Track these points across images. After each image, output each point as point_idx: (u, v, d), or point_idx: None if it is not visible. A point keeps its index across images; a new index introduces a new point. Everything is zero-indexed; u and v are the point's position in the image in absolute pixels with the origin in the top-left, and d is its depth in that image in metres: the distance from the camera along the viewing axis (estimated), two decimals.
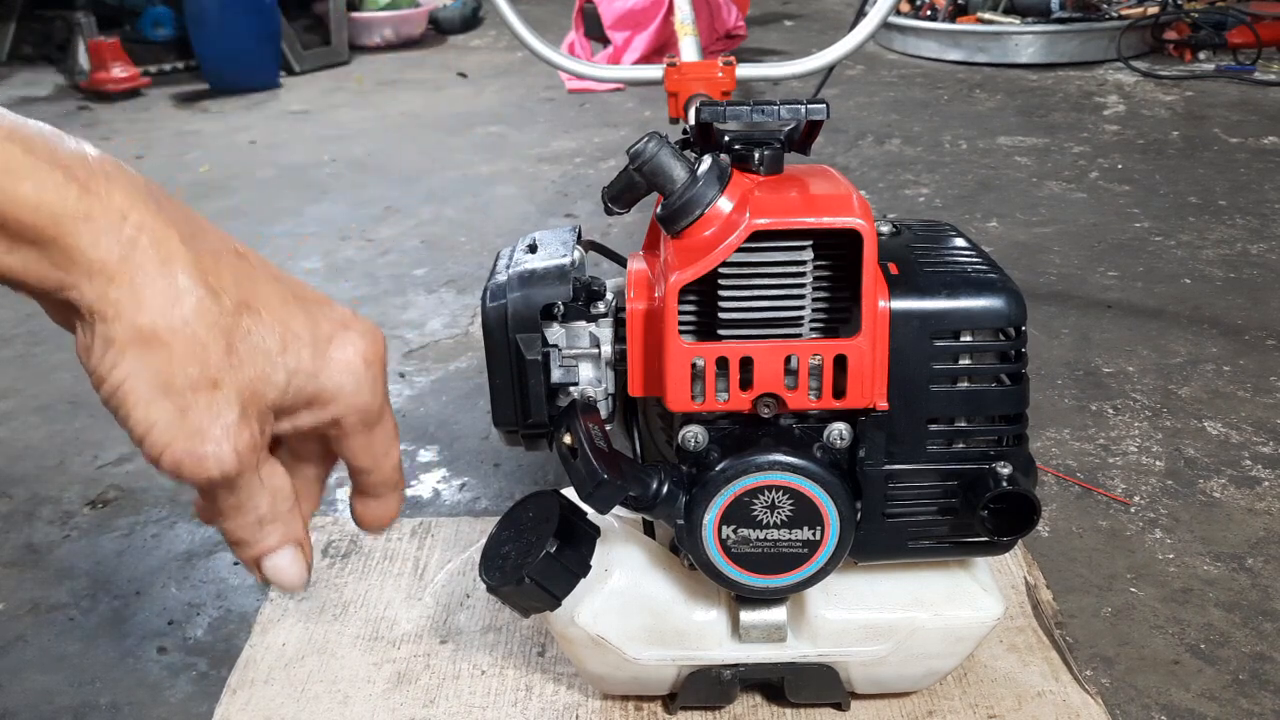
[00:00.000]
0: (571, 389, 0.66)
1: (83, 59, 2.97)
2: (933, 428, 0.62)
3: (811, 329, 0.61)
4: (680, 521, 0.63)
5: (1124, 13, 2.84)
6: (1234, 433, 1.11)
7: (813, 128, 0.63)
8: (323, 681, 0.81)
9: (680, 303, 0.59)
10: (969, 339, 0.61)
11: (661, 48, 2.75)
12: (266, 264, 0.43)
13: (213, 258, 0.40)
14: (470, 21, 3.75)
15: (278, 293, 0.42)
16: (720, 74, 1.25)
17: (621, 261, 0.70)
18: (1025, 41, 2.81)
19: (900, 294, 0.60)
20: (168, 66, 3.15)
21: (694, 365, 0.59)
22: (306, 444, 0.46)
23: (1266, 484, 1.02)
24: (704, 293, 0.60)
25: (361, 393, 0.43)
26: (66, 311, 0.39)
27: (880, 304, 0.59)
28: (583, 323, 0.65)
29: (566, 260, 0.67)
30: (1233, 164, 1.98)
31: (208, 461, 0.39)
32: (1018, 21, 2.84)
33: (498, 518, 0.65)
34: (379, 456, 0.46)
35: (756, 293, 0.58)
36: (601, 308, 0.65)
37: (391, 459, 0.47)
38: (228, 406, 0.40)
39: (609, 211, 0.64)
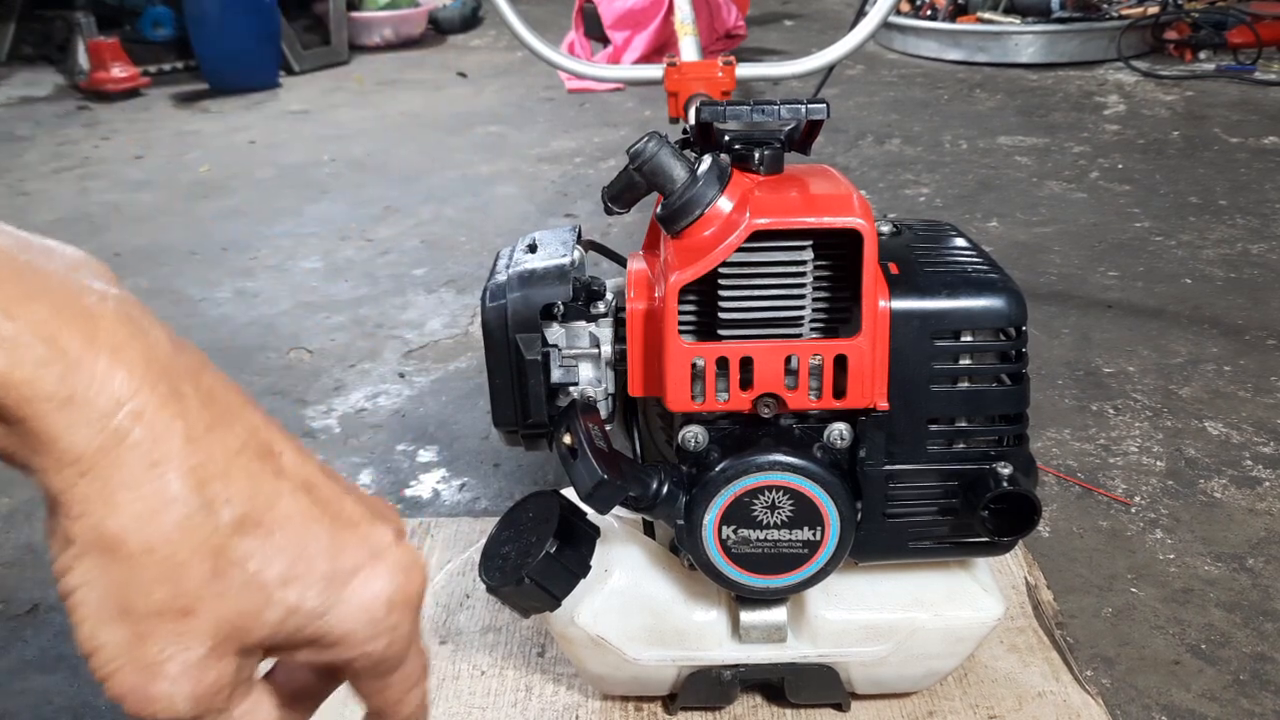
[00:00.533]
0: (571, 389, 0.66)
1: (82, 59, 2.97)
2: (933, 428, 0.62)
3: (812, 329, 0.60)
4: (680, 521, 0.63)
5: (1124, 13, 2.84)
6: (1234, 433, 1.11)
7: (813, 128, 0.63)
8: None
9: (680, 303, 0.59)
10: (969, 339, 0.61)
11: (661, 48, 2.75)
12: (306, 464, 0.36)
13: (226, 459, 0.33)
14: (470, 21, 3.75)
15: (301, 509, 0.35)
16: (720, 74, 1.25)
17: (621, 261, 0.70)
18: (1025, 41, 2.81)
19: (900, 294, 0.60)
20: (167, 66, 3.15)
21: (694, 365, 0.59)
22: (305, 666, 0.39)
23: (1267, 484, 1.02)
24: (704, 293, 0.60)
25: (377, 640, 0.36)
26: (31, 477, 0.33)
27: (880, 304, 0.59)
28: (583, 323, 0.65)
29: (566, 260, 0.66)
30: (1233, 164, 1.98)
31: (156, 704, 0.33)
32: (1018, 21, 2.84)
33: (498, 518, 0.65)
34: (392, 703, 0.39)
35: (756, 293, 0.58)
36: (601, 308, 0.65)
37: (409, 705, 0.40)
38: (196, 641, 0.33)
39: (609, 211, 0.64)
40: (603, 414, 0.66)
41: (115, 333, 0.32)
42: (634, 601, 0.68)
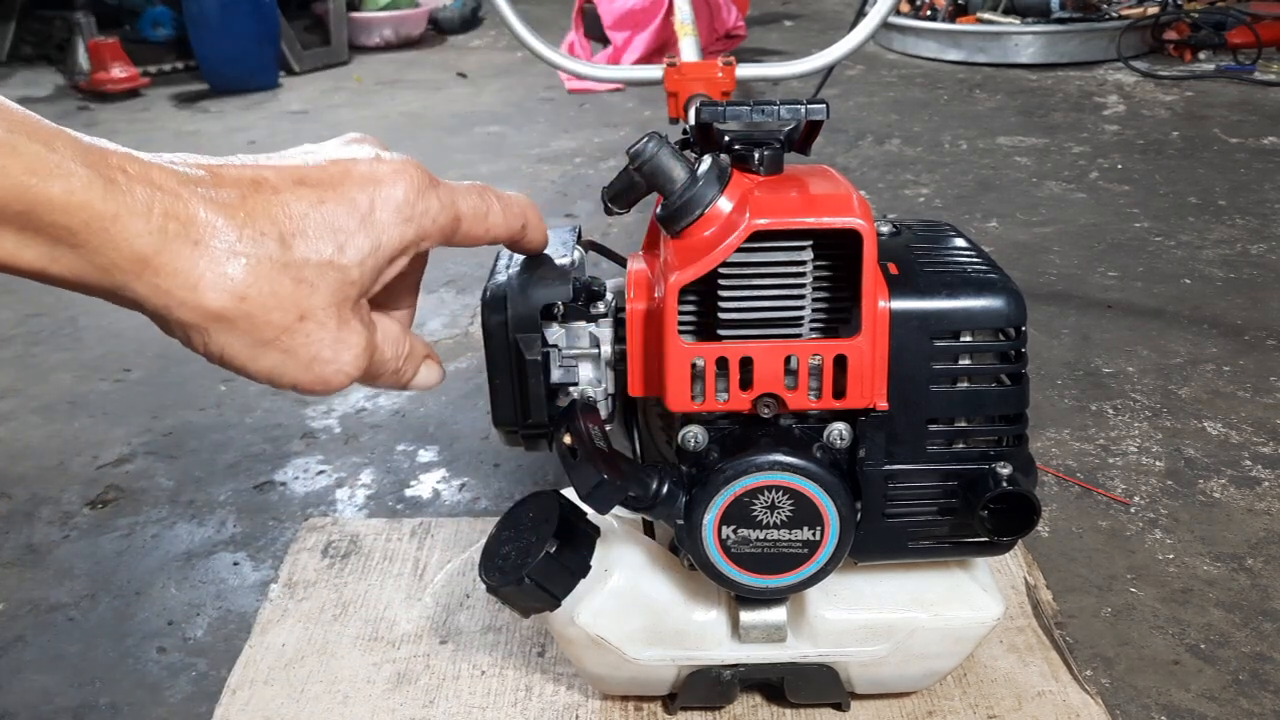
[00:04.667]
0: (571, 389, 0.66)
1: (82, 59, 2.97)
2: (933, 428, 0.62)
3: (811, 329, 0.61)
4: (680, 521, 0.63)
5: (1124, 13, 2.84)
6: (1234, 433, 1.11)
7: (813, 128, 0.63)
8: (322, 682, 0.81)
9: (680, 303, 0.59)
10: (969, 339, 0.61)
11: (661, 48, 2.75)
12: (281, 169, 0.44)
13: (240, 209, 0.41)
14: (470, 21, 3.75)
15: (309, 201, 0.43)
16: (720, 74, 1.25)
17: (621, 261, 0.70)
18: (1025, 41, 2.81)
19: (900, 294, 0.60)
20: (167, 66, 3.15)
21: (694, 365, 0.59)
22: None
23: (1266, 484, 1.02)
24: (704, 293, 0.60)
25: (425, 219, 0.46)
26: (137, 307, 0.41)
27: (880, 304, 0.59)
28: (583, 323, 0.65)
29: (566, 260, 0.67)
30: (1233, 164, 1.98)
31: (336, 378, 0.45)
32: (1018, 21, 2.84)
33: (498, 518, 0.65)
34: (497, 233, 0.52)
35: (756, 293, 0.58)
36: (601, 308, 0.65)
37: (510, 227, 0.53)
38: (322, 328, 0.43)
39: (609, 211, 0.64)
40: (603, 414, 0.66)
41: (122, 158, 0.39)
42: (634, 601, 0.68)
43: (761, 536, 0.62)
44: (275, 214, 0.42)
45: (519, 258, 0.67)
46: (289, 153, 0.47)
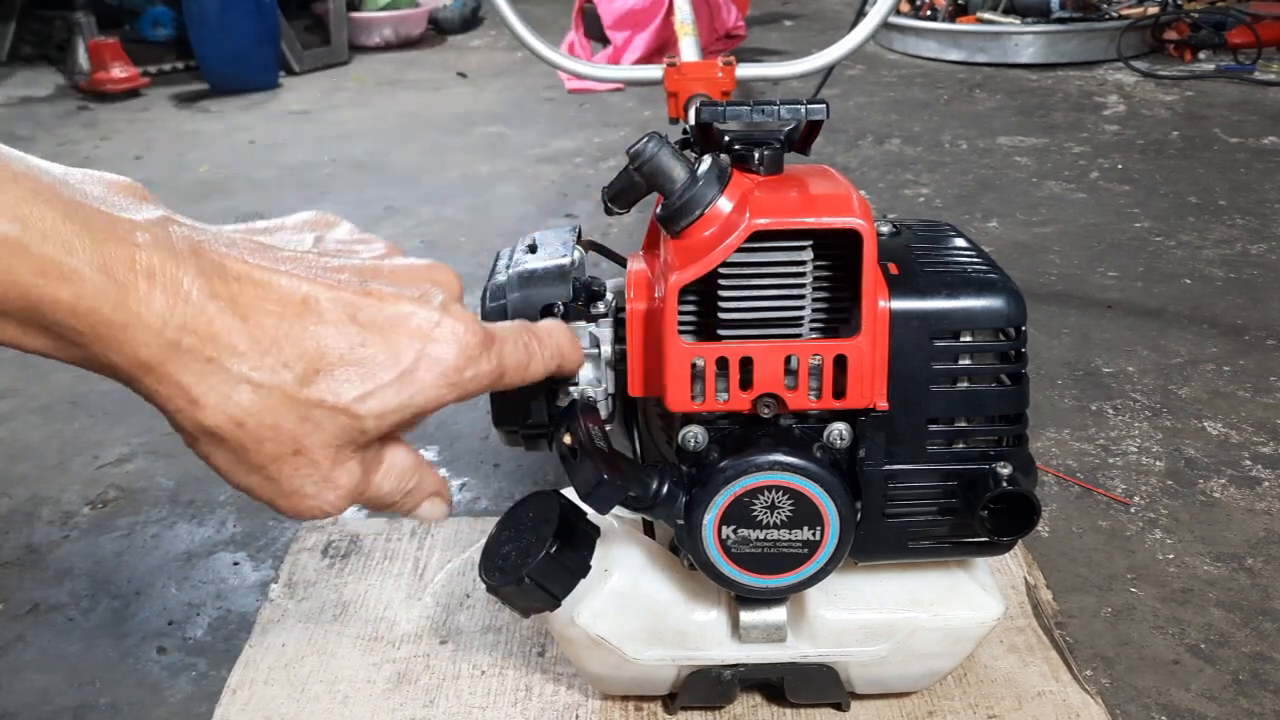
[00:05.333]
0: (571, 389, 0.66)
1: (83, 59, 2.97)
2: (933, 428, 0.62)
3: (811, 329, 0.61)
4: (680, 521, 0.63)
5: (1124, 13, 2.84)
6: (1234, 433, 1.11)
7: (813, 128, 0.63)
8: (323, 681, 0.81)
9: (680, 303, 0.59)
10: (969, 339, 0.61)
11: (661, 48, 2.75)
12: (339, 293, 0.41)
13: (271, 332, 0.39)
14: (470, 21, 3.75)
15: (350, 341, 0.40)
16: (720, 74, 1.25)
17: (621, 261, 0.70)
18: (1025, 41, 2.81)
19: (900, 294, 0.60)
20: (168, 66, 3.15)
21: (694, 365, 0.59)
22: None
23: (1266, 484, 1.02)
24: (704, 293, 0.60)
25: (468, 387, 0.44)
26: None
27: (880, 304, 0.59)
28: (583, 323, 0.65)
29: (566, 260, 0.67)
30: (1233, 164, 1.98)
31: (312, 513, 0.42)
32: (1018, 21, 2.84)
33: (498, 518, 0.65)
34: (535, 378, 0.51)
35: (756, 293, 0.58)
36: (601, 308, 0.65)
37: (548, 368, 0.51)
38: (314, 466, 0.41)
39: (609, 211, 0.64)
40: (603, 414, 0.66)
41: (151, 257, 0.36)
42: (634, 601, 0.68)
43: (761, 536, 0.62)
44: (307, 346, 0.39)
45: (519, 258, 0.67)
46: (375, 247, 0.45)
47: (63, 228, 0.35)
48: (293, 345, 0.39)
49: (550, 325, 0.54)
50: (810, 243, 0.58)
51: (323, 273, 0.41)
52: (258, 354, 0.38)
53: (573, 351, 0.55)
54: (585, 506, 0.61)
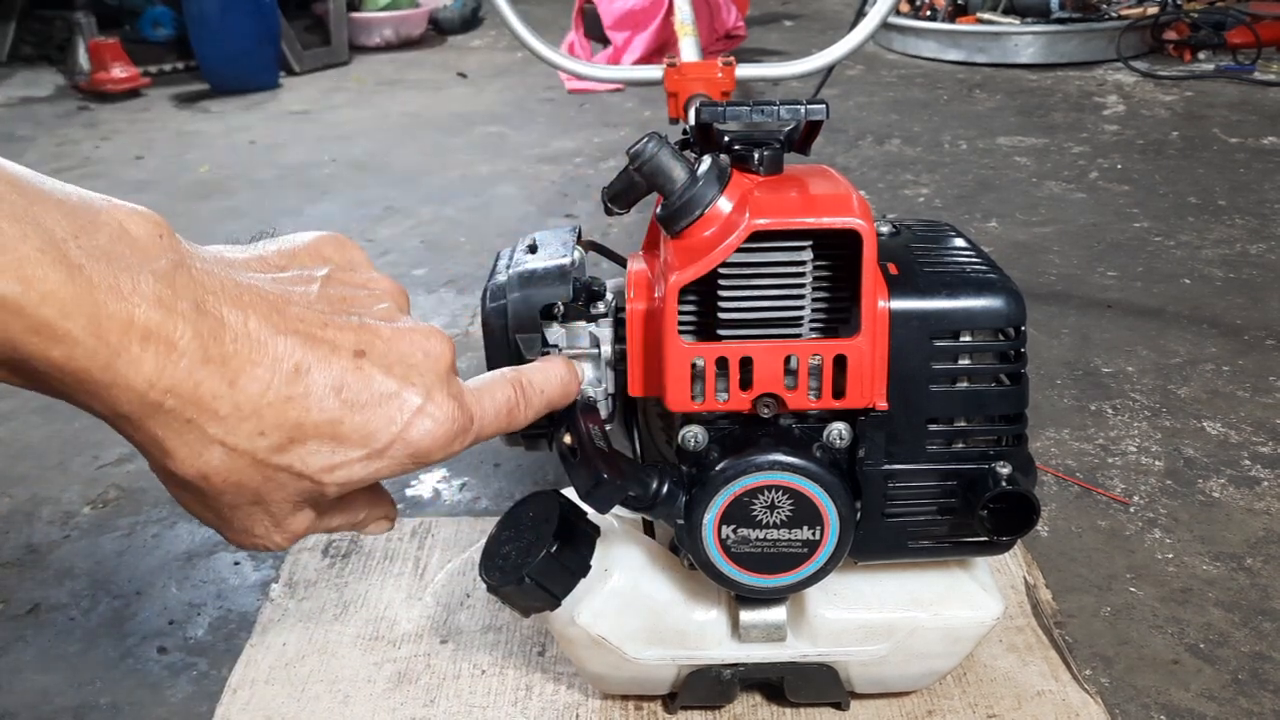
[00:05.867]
0: None
1: (83, 59, 2.97)
2: (932, 428, 0.62)
3: (811, 329, 0.61)
4: (680, 521, 0.63)
5: (1124, 13, 2.84)
6: (1233, 433, 1.11)
7: (812, 128, 0.63)
8: (323, 681, 0.81)
9: (680, 303, 0.59)
10: (969, 339, 0.62)
11: (661, 48, 2.75)
12: (331, 362, 0.41)
13: (254, 401, 0.39)
14: (470, 21, 3.75)
15: (330, 415, 0.41)
16: (720, 74, 1.25)
17: (621, 261, 0.70)
18: (1025, 41, 2.81)
19: (900, 294, 0.60)
20: (168, 66, 3.15)
21: (694, 365, 0.59)
22: None
23: (1266, 484, 1.03)
24: (704, 293, 0.60)
25: (439, 456, 0.44)
26: None
27: (880, 304, 0.59)
28: (583, 323, 0.65)
29: (566, 260, 0.67)
30: (1232, 164, 1.99)
31: (256, 548, 0.44)
32: (1017, 22, 2.84)
33: (498, 518, 0.65)
34: (522, 426, 0.51)
35: (756, 293, 0.58)
36: (601, 308, 0.65)
37: (539, 413, 0.52)
38: (269, 516, 0.43)
39: (609, 211, 0.64)
40: (603, 414, 0.66)
41: (149, 318, 0.36)
42: (634, 601, 0.68)
43: (761, 536, 0.62)
44: (287, 418, 0.40)
45: (519, 258, 0.67)
46: (381, 302, 0.45)
47: (63, 291, 0.34)
48: (273, 416, 0.39)
49: (544, 374, 0.53)
50: (810, 243, 0.58)
51: (319, 338, 0.41)
52: (236, 419, 0.39)
53: (567, 390, 0.55)
54: (585, 506, 0.61)
